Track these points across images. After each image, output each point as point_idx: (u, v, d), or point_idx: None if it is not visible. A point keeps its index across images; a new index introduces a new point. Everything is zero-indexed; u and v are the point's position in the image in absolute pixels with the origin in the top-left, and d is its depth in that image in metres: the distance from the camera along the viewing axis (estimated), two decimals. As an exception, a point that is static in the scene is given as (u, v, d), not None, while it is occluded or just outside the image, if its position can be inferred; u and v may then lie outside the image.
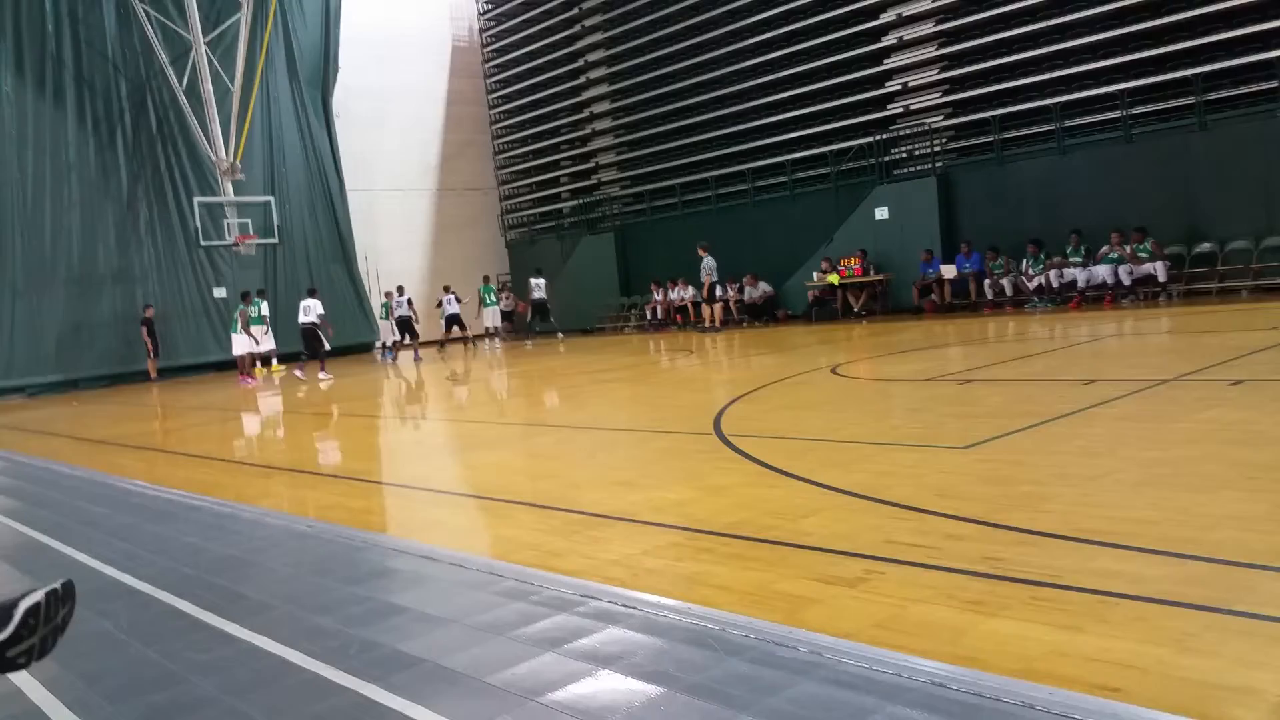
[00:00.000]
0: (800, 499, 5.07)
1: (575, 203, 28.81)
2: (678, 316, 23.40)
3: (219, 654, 3.51)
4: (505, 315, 25.57)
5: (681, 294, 23.29)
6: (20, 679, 3.31)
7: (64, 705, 3.15)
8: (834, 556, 3.97)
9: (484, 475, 7.16)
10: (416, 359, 22.28)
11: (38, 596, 2.00)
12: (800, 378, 10.81)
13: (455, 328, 23.58)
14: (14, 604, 1.98)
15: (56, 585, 2.05)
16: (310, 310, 18.30)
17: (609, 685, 2.87)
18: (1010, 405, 7.47)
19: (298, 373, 17.79)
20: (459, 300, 23.57)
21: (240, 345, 20.32)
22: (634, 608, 3.51)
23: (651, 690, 2.79)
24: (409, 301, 23.10)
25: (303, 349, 18.98)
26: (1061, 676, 2.65)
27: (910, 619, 3.23)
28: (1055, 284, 16.74)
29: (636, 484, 5.98)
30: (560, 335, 24.12)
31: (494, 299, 25.26)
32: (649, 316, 24.27)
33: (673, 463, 6.66)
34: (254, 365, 20.52)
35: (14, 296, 22.62)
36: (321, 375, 17.44)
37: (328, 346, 18.11)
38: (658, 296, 24.01)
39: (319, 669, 3.22)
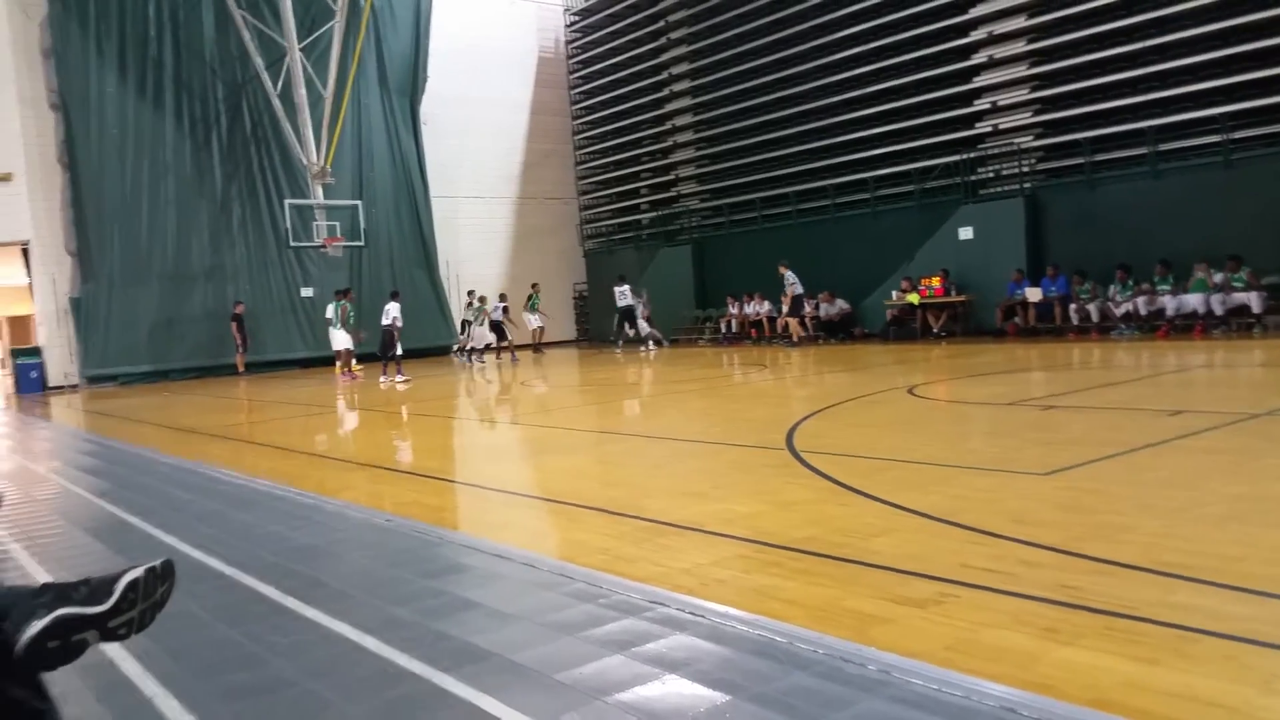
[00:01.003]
0: (872, 518, 5.03)
1: (654, 214, 28.94)
2: (753, 331, 23.33)
3: (298, 638, 3.62)
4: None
5: (757, 308, 23.22)
6: (114, 652, 3.46)
7: (154, 678, 3.28)
8: (905, 577, 3.95)
9: (556, 479, 7.24)
10: (514, 360, 22.85)
11: (138, 572, 2.09)
12: (876, 396, 10.71)
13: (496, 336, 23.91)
14: (116, 578, 2.08)
15: (156, 563, 2.14)
16: (388, 313, 18.66)
17: (675, 690, 2.90)
18: (1093, 433, 7.31)
19: (383, 378, 18.07)
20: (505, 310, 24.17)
21: (340, 341, 20.49)
22: (702, 616, 3.54)
23: (717, 697, 2.81)
24: (505, 308, 24.03)
25: (378, 350, 19.29)
26: (1136, 709, 2.61)
27: (981, 643, 3.20)
28: (1143, 311, 16.32)
29: (707, 495, 6.00)
30: (648, 348, 23.38)
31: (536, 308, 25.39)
32: (724, 330, 24.24)
33: (744, 476, 6.66)
34: (351, 362, 20.70)
35: (110, 289, 23.47)
36: (398, 378, 17.71)
37: (398, 350, 18.40)
38: (733, 310, 23.97)
39: (394, 656, 3.31)
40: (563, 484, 6.97)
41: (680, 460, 7.67)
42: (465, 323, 24.89)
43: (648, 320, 24.08)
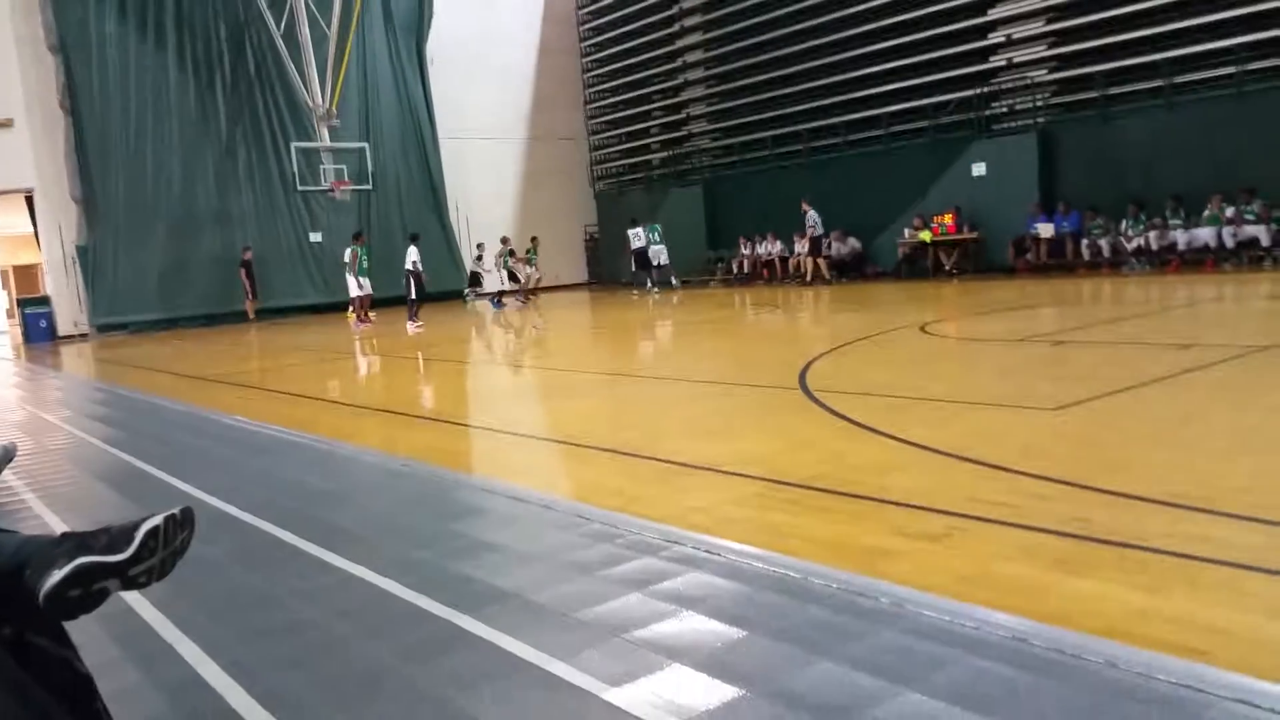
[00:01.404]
0: (885, 455, 5.07)
1: (665, 154, 28.67)
2: (764, 271, 23.24)
3: (318, 582, 3.68)
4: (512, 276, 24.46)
5: (769, 248, 23.10)
6: (132, 599, 3.51)
7: (173, 624, 3.34)
8: (918, 512, 3.98)
9: (571, 422, 7.29)
10: (524, 303, 22.82)
11: (157, 520, 2.10)
12: (888, 335, 10.70)
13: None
14: (136, 526, 2.08)
15: (175, 511, 2.15)
16: (407, 256, 18.64)
17: (692, 625, 2.95)
18: (1103, 368, 7.31)
19: (410, 323, 17.94)
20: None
21: (356, 287, 20.07)
22: (717, 554, 3.58)
23: (734, 632, 2.86)
24: (512, 251, 23.86)
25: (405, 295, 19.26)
26: (1145, 638, 2.64)
27: (993, 575, 3.24)
28: (1155, 246, 16.19)
29: (720, 435, 6.04)
30: (653, 289, 23.20)
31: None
32: (735, 270, 24.15)
33: (757, 415, 6.69)
34: (366, 308, 20.36)
35: (116, 236, 23.40)
36: (410, 324, 17.66)
37: (413, 295, 18.35)
38: (745, 251, 23.85)
39: (415, 599, 3.36)
40: (577, 426, 7.01)
41: (694, 401, 7.71)
42: (474, 274, 24.60)
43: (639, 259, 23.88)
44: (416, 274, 18.61)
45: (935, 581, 3.19)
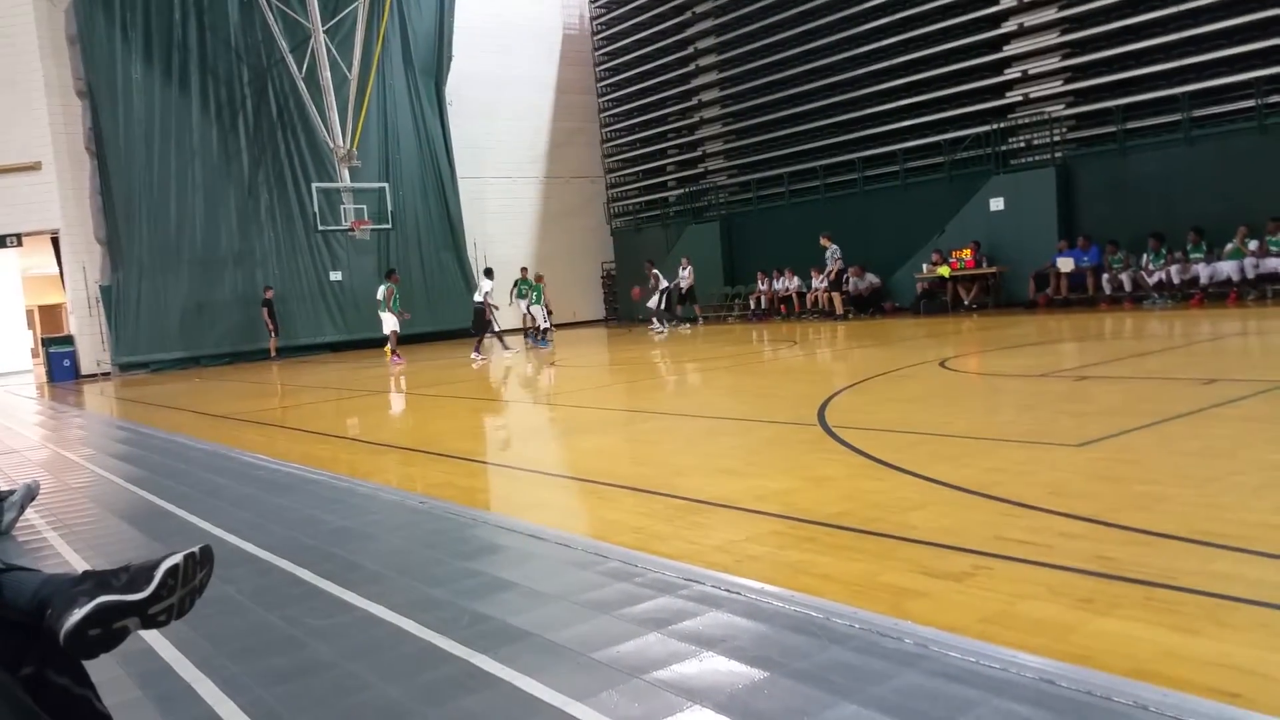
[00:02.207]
0: (906, 492, 5.01)
1: (681, 191, 28.83)
2: (782, 306, 23.24)
3: (336, 620, 3.66)
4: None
5: (787, 284, 23.11)
6: (152, 638, 3.50)
7: (192, 664, 3.32)
8: (940, 551, 3.93)
9: (588, 459, 7.26)
10: (535, 341, 22.78)
11: (176, 559, 2.11)
12: (907, 370, 10.65)
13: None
14: (155, 565, 2.09)
15: (195, 550, 2.16)
16: (480, 289, 18.89)
17: (712, 666, 2.90)
18: (1127, 403, 7.24)
19: (475, 354, 18.16)
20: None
21: (390, 323, 19.99)
22: (737, 593, 3.54)
23: (755, 674, 2.81)
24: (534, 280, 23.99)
25: (471, 328, 19.45)
26: (1175, 679, 2.58)
27: (1018, 615, 3.18)
28: (1177, 279, 16.10)
29: (739, 472, 5.99)
30: (656, 326, 23.01)
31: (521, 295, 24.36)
32: (753, 306, 24.15)
33: (776, 452, 6.64)
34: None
35: (140, 276, 23.71)
36: (475, 355, 17.92)
37: (496, 327, 18.71)
38: (763, 286, 23.87)
39: (432, 638, 3.33)
40: (594, 463, 6.98)
41: (712, 437, 7.67)
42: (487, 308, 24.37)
43: (667, 298, 23.59)
44: (486, 308, 18.80)
45: (959, 621, 3.13)
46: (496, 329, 19.25)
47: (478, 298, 18.93)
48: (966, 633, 3.01)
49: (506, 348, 21.14)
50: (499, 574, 4.08)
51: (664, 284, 23.22)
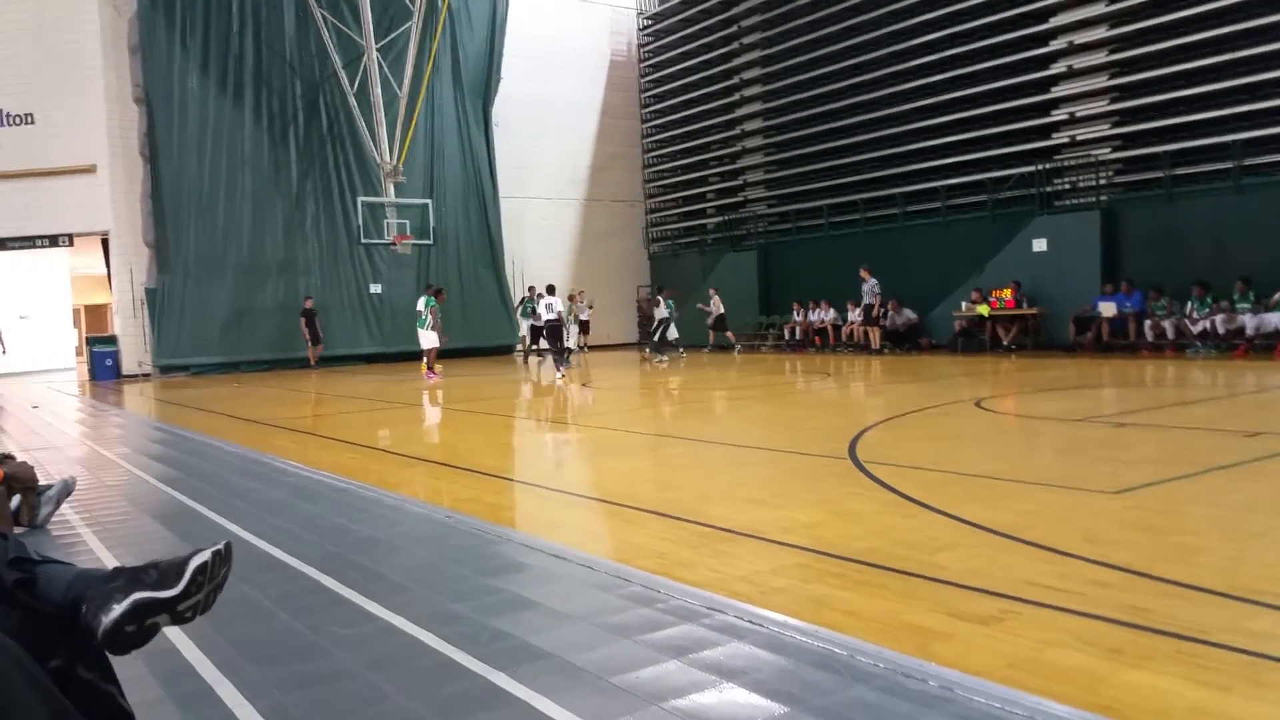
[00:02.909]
0: (936, 531, 4.95)
1: (720, 219, 28.87)
2: (817, 338, 23.15)
3: (358, 630, 3.66)
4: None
5: (823, 315, 23.03)
6: (175, 638, 3.52)
7: (214, 665, 3.34)
8: (969, 593, 3.87)
9: (615, 481, 7.25)
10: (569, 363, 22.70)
11: (205, 556, 2.14)
12: (942, 409, 10.55)
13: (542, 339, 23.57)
14: (185, 562, 2.12)
15: (220, 546, 2.20)
16: (551, 307, 18.98)
17: (732, 698, 2.87)
18: (1166, 452, 7.12)
19: (559, 372, 18.04)
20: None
21: (428, 340, 19.85)
22: (760, 624, 3.51)
23: (775, 708, 2.78)
24: (589, 305, 24.23)
25: (548, 345, 19.60)
26: (1208, 737, 2.52)
27: (1046, 662, 3.13)
28: (1221, 329, 15.86)
29: (767, 502, 5.96)
30: (654, 354, 22.67)
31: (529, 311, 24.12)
32: (787, 336, 24.07)
33: (805, 484, 6.60)
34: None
35: (185, 281, 24.05)
36: (560, 370, 17.95)
37: (570, 345, 18.86)
38: (798, 317, 23.80)
39: (451, 653, 3.33)
40: (621, 486, 6.97)
41: (740, 466, 7.63)
42: (530, 324, 24.42)
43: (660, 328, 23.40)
44: (560, 323, 19.01)
45: (985, 665, 3.08)
46: (566, 344, 19.38)
47: (549, 315, 18.96)
48: (992, 677, 2.96)
49: (568, 364, 21.14)
50: (521, 592, 4.07)
51: (661, 313, 23.21)
